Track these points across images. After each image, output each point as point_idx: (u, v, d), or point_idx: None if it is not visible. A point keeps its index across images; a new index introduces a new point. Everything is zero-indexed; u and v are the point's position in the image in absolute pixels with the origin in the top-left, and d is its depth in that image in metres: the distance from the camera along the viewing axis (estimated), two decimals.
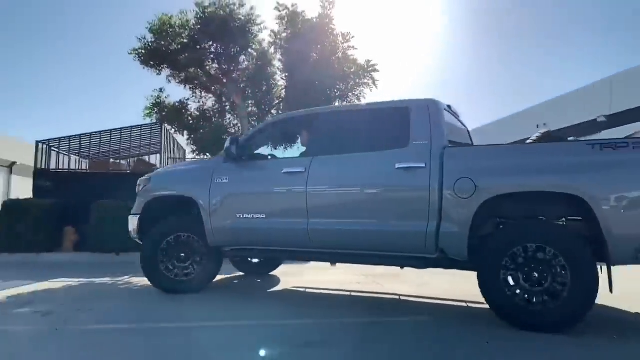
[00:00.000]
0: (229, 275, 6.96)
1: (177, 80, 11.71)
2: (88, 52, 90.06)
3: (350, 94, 11.78)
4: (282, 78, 12.53)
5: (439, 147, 4.41)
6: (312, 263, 8.15)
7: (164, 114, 11.83)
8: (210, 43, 11.41)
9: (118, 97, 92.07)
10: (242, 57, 11.85)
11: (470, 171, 4.16)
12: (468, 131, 5.84)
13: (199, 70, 11.61)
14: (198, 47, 11.21)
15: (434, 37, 77.37)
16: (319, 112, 5.59)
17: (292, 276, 7.10)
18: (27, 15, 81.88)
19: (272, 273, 7.29)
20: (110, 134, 12.32)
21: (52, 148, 12.19)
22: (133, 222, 5.82)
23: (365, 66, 11.63)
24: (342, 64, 11.50)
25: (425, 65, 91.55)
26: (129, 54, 11.30)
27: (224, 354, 3.43)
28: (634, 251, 3.71)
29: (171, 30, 11.22)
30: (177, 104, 11.98)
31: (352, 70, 11.60)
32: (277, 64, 12.38)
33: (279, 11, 11.52)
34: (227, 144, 5.30)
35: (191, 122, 11.90)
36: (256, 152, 5.76)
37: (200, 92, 12.43)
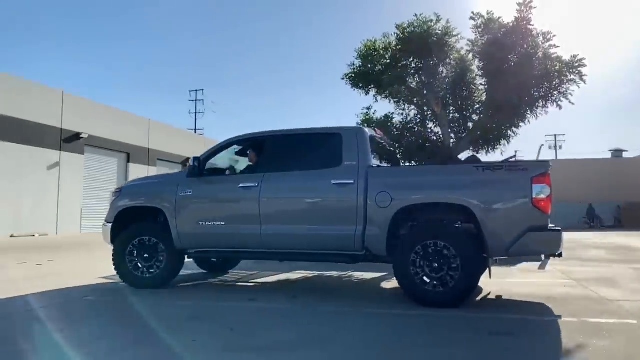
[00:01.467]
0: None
1: (382, 97, 12.97)
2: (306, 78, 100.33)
3: (555, 92, 11.47)
4: (481, 83, 12.80)
5: (364, 167, 5.46)
6: (521, 264, 8.44)
7: (372, 127, 13.19)
8: (411, 59, 12.35)
9: (330, 117, 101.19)
10: (441, 69, 12.51)
11: (388, 186, 5.26)
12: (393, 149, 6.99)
13: (401, 86, 12.66)
14: (400, 65, 12.26)
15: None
16: (268, 134, 6.33)
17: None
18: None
19: None
20: None
21: None
22: (106, 230, 6.60)
23: (572, 62, 11.19)
24: (543, 64, 11.27)
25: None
26: (342, 79, 13.03)
27: None
28: (504, 247, 4.91)
29: (375, 53, 12.55)
30: (382, 118, 13.26)
31: (556, 68, 11.27)
32: (475, 70, 12.69)
33: (475, 20, 11.85)
34: (190, 162, 6.13)
35: (396, 133, 13.01)
36: (215, 167, 6.49)
37: (403, 104, 13.52)
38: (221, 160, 6.74)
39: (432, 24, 11.99)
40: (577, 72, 11.16)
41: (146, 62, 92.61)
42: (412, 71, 12.61)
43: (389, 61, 12.32)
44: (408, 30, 12.10)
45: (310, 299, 5.89)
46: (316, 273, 8.24)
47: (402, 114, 13.35)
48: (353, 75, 12.78)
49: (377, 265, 6.20)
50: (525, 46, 11.31)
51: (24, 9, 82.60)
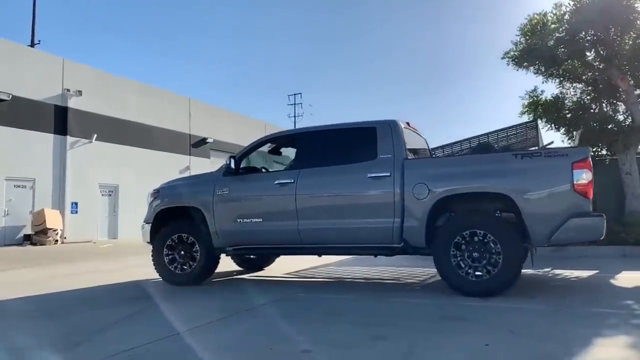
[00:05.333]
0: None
1: (553, 75, 11.72)
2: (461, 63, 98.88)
3: None
4: None
5: (400, 159, 5.40)
6: None
7: (539, 111, 12.02)
8: (590, 31, 11.03)
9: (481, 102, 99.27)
10: (625, 39, 11.05)
11: (425, 177, 5.21)
12: (426, 141, 6.99)
13: (576, 61, 11.38)
14: (576, 38, 10.99)
15: None
16: (302, 131, 6.52)
17: None
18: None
19: None
20: (488, 137, 13.24)
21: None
22: (146, 230, 6.61)
23: None
24: None
25: None
26: (502, 58, 11.97)
27: None
28: (546, 235, 4.81)
29: (543, 28, 11.36)
30: (552, 99, 12.01)
31: None
32: None
33: None
34: (226, 161, 6.14)
35: (569, 115, 11.72)
36: (250, 166, 6.56)
37: (571, 83, 12.18)
38: (256, 159, 6.89)
39: None
40: None
41: (242, 64, 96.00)
42: (588, 45, 11.27)
43: (563, 34, 11.06)
44: None
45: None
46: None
47: (574, 94, 11.98)
48: (517, 53, 11.66)
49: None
50: None
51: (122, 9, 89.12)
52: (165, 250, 6.34)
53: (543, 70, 11.68)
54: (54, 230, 17.92)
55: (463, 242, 4.98)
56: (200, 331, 3.82)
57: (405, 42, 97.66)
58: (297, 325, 3.94)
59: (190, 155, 25.74)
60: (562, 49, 10.99)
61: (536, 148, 11.86)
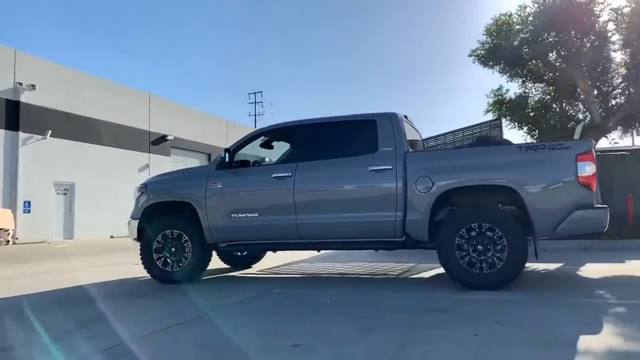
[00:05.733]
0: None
1: (518, 75, 12.03)
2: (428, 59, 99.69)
3: None
4: (623, 55, 11.65)
5: (401, 152, 5.32)
6: None
7: (504, 110, 12.31)
8: (552, 33, 11.37)
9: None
10: (584, 41, 11.45)
11: (428, 170, 5.13)
12: (420, 135, 6.88)
13: (539, 62, 11.71)
14: (539, 39, 11.31)
15: None
16: (299, 124, 6.15)
17: None
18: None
19: None
20: (454, 135, 13.43)
21: None
22: (132, 226, 6.32)
23: None
24: None
25: None
26: (469, 55, 12.20)
27: None
28: (551, 227, 4.82)
29: (508, 29, 11.64)
30: (516, 98, 12.32)
31: None
32: (617, 41, 11.56)
33: None
34: (221, 154, 5.90)
35: (532, 114, 12.05)
36: (244, 159, 6.19)
37: (534, 83, 12.54)
38: (250, 152, 6.57)
39: None
40: None
41: (202, 62, 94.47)
42: (550, 46, 11.62)
43: (527, 35, 11.37)
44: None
45: None
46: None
47: (537, 93, 12.34)
48: (483, 52, 11.90)
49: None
50: None
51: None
52: (154, 247, 6.05)
53: (507, 69, 11.99)
54: (5, 231, 17.02)
55: (468, 235, 4.93)
56: (183, 326, 3.63)
57: (374, 40, 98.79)
58: (285, 320, 3.83)
59: (149, 152, 25.02)
60: (526, 49, 11.31)
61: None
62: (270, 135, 6.61)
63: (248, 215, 5.78)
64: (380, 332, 3.36)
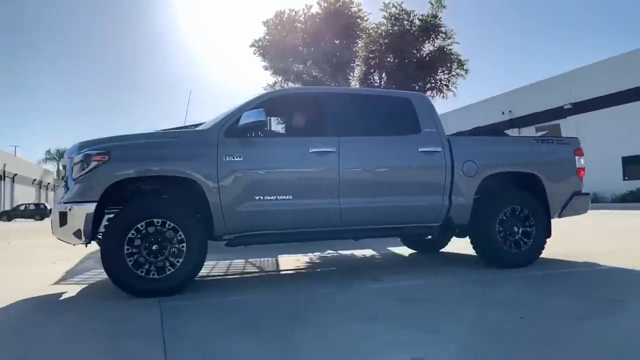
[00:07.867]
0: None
1: (289, 72, 12.40)
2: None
3: (444, 86, 12.75)
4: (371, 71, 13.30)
5: (443, 135, 5.31)
6: None
7: None
8: (326, 38, 12.15)
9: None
10: (352, 47, 12.53)
11: (473, 155, 5.33)
12: None
13: (311, 63, 12.33)
14: (315, 41, 11.91)
15: None
16: (333, 92, 5.82)
17: None
18: None
19: None
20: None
21: None
22: (78, 216, 4.15)
23: (460, 61, 12.63)
24: (440, 60, 12.40)
25: None
26: (251, 46, 12.06)
27: None
28: (559, 210, 5.66)
29: (289, 26, 11.92)
30: None
31: (447, 65, 12.56)
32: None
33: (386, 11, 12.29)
34: (242, 118, 4.58)
35: None
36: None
37: (303, 84, 13.18)
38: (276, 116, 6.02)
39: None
40: (463, 69, 12.66)
41: None
42: (320, 53, 12.32)
43: (306, 37, 11.86)
44: (324, 5, 11.85)
45: None
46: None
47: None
48: (263, 44, 11.91)
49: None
50: (427, 40, 12.29)
51: None
52: (126, 246, 4.15)
53: (281, 66, 12.26)
54: None
55: (506, 218, 5.31)
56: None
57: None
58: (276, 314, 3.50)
59: None
60: (302, 49, 11.78)
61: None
62: (293, 100, 5.52)
63: (279, 197, 4.66)
64: (381, 321, 2.89)
